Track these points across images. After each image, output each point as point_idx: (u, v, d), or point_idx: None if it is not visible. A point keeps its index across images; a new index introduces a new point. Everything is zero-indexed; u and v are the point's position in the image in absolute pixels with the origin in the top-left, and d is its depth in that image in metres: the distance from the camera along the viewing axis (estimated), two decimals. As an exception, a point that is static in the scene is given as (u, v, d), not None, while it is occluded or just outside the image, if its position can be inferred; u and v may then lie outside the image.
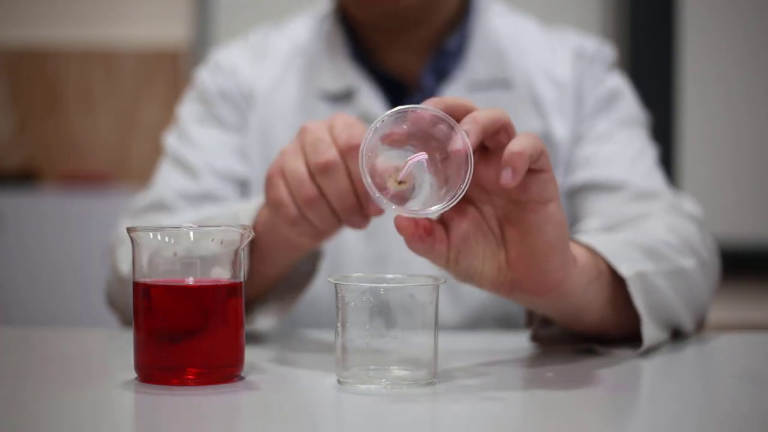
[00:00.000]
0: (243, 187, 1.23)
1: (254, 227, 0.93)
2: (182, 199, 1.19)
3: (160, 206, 1.18)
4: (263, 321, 1.01)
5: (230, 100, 1.26)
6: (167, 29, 2.74)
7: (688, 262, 1.00)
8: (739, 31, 2.51)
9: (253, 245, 0.95)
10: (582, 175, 1.20)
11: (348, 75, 1.22)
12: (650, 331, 0.91)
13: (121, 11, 2.78)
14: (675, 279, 0.96)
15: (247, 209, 0.98)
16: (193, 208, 1.17)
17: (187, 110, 1.28)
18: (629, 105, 1.25)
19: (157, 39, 2.75)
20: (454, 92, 1.21)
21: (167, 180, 1.22)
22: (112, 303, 1.15)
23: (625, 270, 0.90)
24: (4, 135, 2.77)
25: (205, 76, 1.28)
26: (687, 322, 0.98)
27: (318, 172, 0.85)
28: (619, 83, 1.26)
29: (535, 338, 0.97)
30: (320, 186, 0.86)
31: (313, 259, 1.03)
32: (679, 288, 0.96)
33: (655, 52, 2.49)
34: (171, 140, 1.26)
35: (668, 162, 2.40)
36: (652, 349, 0.92)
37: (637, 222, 1.08)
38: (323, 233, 0.90)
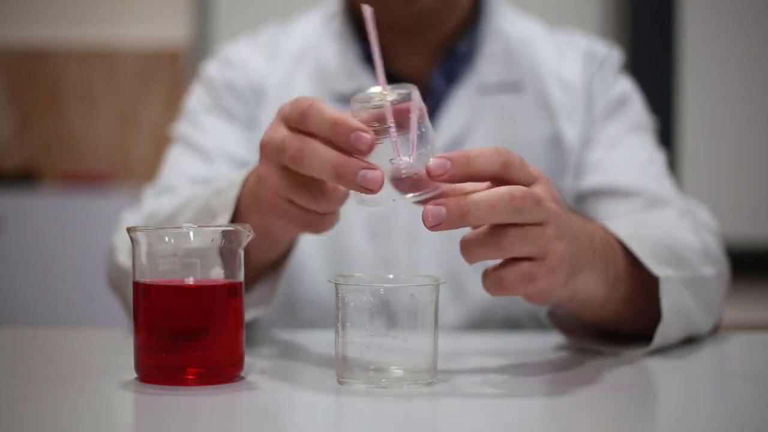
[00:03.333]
0: None
1: (240, 200, 0.90)
2: (191, 183, 1.16)
3: (168, 191, 1.16)
4: (253, 312, 0.96)
5: (239, 94, 1.25)
6: (167, 29, 2.74)
7: (708, 271, 1.00)
8: (739, 31, 2.51)
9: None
10: (592, 180, 1.19)
11: (359, 76, 1.22)
12: (664, 335, 0.90)
13: (121, 11, 2.78)
14: (695, 286, 0.96)
15: (228, 186, 0.93)
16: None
17: (197, 101, 1.26)
18: (638, 110, 1.25)
19: (157, 39, 2.75)
20: (463, 95, 1.20)
21: (178, 164, 1.20)
22: (113, 287, 1.14)
23: (659, 271, 0.89)
24: (4, 135, 2.77)
25: (213, 70, 1.27)
26: (703, 330, 0.99)
27: (300, 119, 0.77)
28: (628, 88, 1.26)
29: (551, 315, 0.96)
30: (307, 131, 0.77)
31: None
32: (698, 296, 0.96)
33: (655, 53, 2.49)
34: (182, 128, 1.25)
35: (668, 162, 2.40)
36: (658, 350, 0.92)
37: (659, 226, 1.08)
38: (308, 217, 0.82)
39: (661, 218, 1.10)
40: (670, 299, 0.90)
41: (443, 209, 0.73)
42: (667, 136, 2.45)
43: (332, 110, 0.76)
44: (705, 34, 2.50)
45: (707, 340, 1.00)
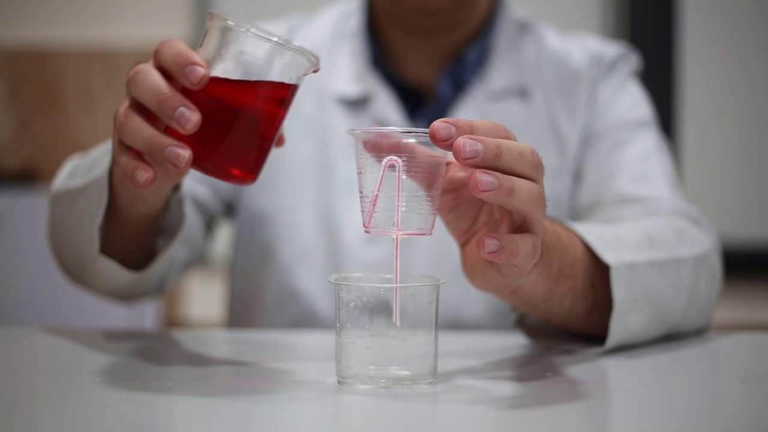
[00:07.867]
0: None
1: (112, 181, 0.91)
2: None
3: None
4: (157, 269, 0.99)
5: None
6: (167, 29, 2.74)
7: (688, 252, 0.98)
8: (739, 31, 2.51)
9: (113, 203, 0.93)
10: (587, 192, 1.19)
11: (365, 80, 1.23)
12: (622, 325, 0.89)
13: (120, 11, 2.78)
14: (672, 270, 0.95)
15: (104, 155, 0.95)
16: None
17: None
18: (633, 98, 1.25)
19: (157, 39, 2.75)
20: (471, 103, 1.21)
21: None
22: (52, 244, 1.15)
23: (610, 258, 0.88)
24: (4, 135, 2.77)
25: None
26: (684, 316, 0.97)
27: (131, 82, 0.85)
28: (624, 80, 1.26)
29: (519, 323, 0.95)
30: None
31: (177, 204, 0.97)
32: (677, 281, 0.95)
33: (655, 53, 2.49)
34: None
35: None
36: (633, 345, 0.92)
37: (637, 215, 1.07)
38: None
39: (644, 211, 1.10)
40: (625, 288, 0.88)
41: (480, 144, 0.70)
42: (667, 136, 2.45)
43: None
44: (705, 34, 2.50)
45: (708, 340, 1.00)
